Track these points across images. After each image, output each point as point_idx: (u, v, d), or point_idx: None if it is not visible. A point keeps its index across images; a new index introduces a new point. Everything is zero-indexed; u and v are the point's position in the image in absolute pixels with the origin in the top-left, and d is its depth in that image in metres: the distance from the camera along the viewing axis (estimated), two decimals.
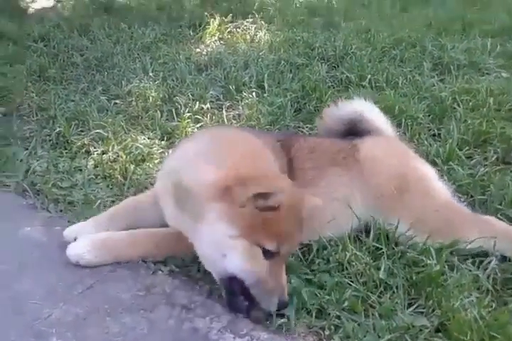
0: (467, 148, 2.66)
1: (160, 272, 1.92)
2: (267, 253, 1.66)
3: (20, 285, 1.85)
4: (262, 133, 2.30)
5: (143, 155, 2.79)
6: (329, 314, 1.68)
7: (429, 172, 2.19)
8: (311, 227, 1.87)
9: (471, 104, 3.08)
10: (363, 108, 2.40)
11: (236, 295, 1.68)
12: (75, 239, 1.97)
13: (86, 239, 1.94)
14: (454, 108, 3.05)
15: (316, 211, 1.81)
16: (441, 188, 2.13)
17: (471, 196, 2.32)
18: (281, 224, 1.67)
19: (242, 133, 2.04)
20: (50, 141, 2.98)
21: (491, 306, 1.67)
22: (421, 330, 1.61)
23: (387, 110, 3.00)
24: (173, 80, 3.70)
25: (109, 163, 2.72)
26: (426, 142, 2.72)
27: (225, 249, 1.67)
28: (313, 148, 2.12)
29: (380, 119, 2.43)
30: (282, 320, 1.66)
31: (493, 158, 2.59)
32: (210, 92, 3.39)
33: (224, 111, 3.21)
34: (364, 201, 2.02)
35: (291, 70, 3.71)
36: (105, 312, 1.73)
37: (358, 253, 1.85)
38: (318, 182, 2.02)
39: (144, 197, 2.19)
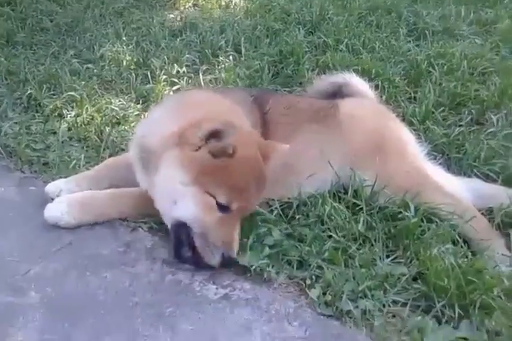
0: (442, 109, 2.68)
1: (140, 229, 1.91)
2: (220, 206, 1.63)
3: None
4: (232, 91, 2.28)
5: (118, 118, 2.73)
6: (310, 265, 1.71)
7: (405, 135, 2.22)
8: (289, 183, 1.88)
9: (445, 67, 3.10)
10: (351, 76, 2.48)
11: (182, 244, 1.66)
12: (57, 196, 1.94)
13: (63, 200, 1.90)
14: (430, 71, 3.06)
15: (294, 166, 1.81)
16: (416, 153, 2.15)
17: (447, 155, 2.36)
18: (235, 175, 1.63)
19: (209, 94, 2.02)
20: (21, 104, 2.89)
21: (466, 256, 1.72)
22: (399, 278, 1.65)
23: (364, 73, 3.01)
24: (147, 44, 3.61)
25: (84, 126, 2.66)
26: (403, 104, 2.73)
27: (176, 196, 1.66)
28: (290, 104, 2.11)
29: (364, 85, 2.49)
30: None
31: (468, 119, 2.63)
32: (186, 56, 3.32)
33: (201, 75, 3.15)
34: (342, 158, 2.03)
35: (267, 35, 3.66)
36: (85, 268, 1.72)
37: (337, 206, 1.86)
38: (295, 137, 2.01)
39: (124, 157, 2.15)
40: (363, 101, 2.31)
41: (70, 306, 1.57)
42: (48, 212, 1.88)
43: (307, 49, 3.46)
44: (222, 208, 1.64)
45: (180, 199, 1.65)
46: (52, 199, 1.95)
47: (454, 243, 1.82)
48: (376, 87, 2.90)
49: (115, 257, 1.76)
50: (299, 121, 2.07)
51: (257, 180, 1.70)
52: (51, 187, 2.01)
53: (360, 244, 1.80)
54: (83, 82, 3.04)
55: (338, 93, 2.40)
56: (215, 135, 1.62)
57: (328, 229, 1.87)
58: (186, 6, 4.64)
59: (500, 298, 1.54)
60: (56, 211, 1.88)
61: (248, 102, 2.02)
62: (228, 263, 1.64)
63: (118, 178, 2.05)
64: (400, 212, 1.87)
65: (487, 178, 2.21)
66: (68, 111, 2.79)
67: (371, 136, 2.06)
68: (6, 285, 1.65)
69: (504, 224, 1.93)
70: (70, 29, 3.99)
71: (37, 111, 2.83)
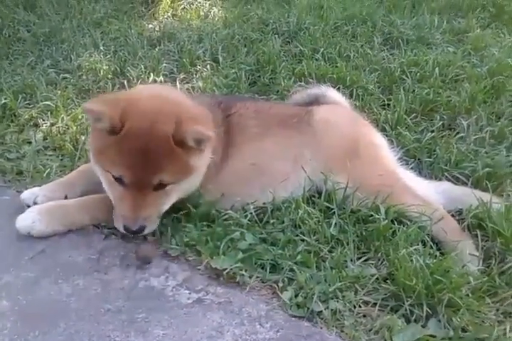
0: (415, 115, 2.74)
1: (113, 236, 1.91)
2: (116, 179, 1.74)
3: None
4: (197, 96, 2.30)
5: None
6: (282, 268, 1.72)
7: (378, 140, 2.26)
8: (261, 184, 1.91)
9: (418, 75, 3.17)
10: (327, 87, 2.57)
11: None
12: (34, 202, 1.95)
13: (34, 209, 1.89)
14: (403, 79, 3.12)
15: (264, 167, 1.83)
16: (389, 157, 2.20)
17: (419, 159, 2.40)
18: (123, 150, 1.69)
19: (160, 89, 2.05)
20: None
21: (436, 256, 1.75)
22: (369, 279, 1.67)
23: (339, 81, 3.07)
24: (125, 54, 3.63)
25: (59, 135, 2.66)
26: (376, 110, 2.78)
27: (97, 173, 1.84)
28: (261, 109, 2.15)
29: (339, 96, 2.56)
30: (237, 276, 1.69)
31: (439, 125, 2.68)
32: (164, 65, 3.34)
33: (178, 84, 3.17)
34: (314, 162, 2.06)
35: (245, 45, 3.69)
36: (57, 276, 1.72)
37: (310, 210, 1.89)
38: (262, 139, 2.04)
39: None
40: (338, 107, 2.36)
41: (41, 314, 1.56)
42: (19, 221, 1.87)
43: (284, 58, 3.50)
44: (120, 182, 1.74)
45: (98, 174, 1.85)
46: (28, 206, 1.95)
47: (424, 244, 1.85)
48: (351, 94, 2.96)
49: (88, 264, 1.76)
50: (269, 124, 2.10)
51: (147, 156, 1.69)
52: (27, 194, 2.01)
53: (332, 247, 1.82)
54: (59, 92, 3.05)
55: (314, 103, 2.44)
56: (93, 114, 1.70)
57: (302, 233, 1.89)
58: (165, 16, 4.68)
59: (468, 296, 1.57)
60: (28, 220, 1.87)
61: (210, 104, 2.05)
62: (130, 232, 1.77)
63: (92, 184, 2.03)
64: (372, 215, 1.90)
65: (457, 181, 2.25)
66: (43, 120, 2.80)
67: (345, 140, 2.10)
68: None
69: (473, 225, 1.96)
70: (48, 39, 4.00)
71: (12, 121, 2.83)
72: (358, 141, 2.11)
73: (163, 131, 1.69)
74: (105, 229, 1.92)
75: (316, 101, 2.42)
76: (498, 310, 1.59)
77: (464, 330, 1.50)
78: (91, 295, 1.63)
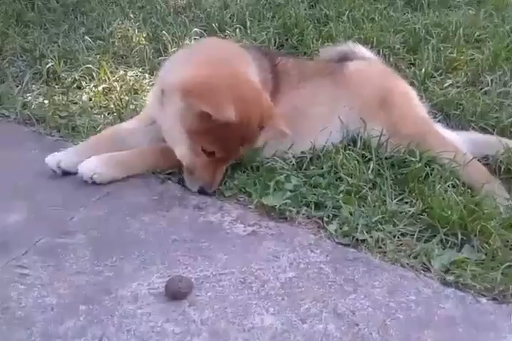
0: (440, 71, 2.86)
1: (169, 181, 2.09)
2: (204, 152, 1.90)
3: (39, 195, 2.00)
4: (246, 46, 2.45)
5: (135, 88, 2.89)
6: (326, 206, 1.90)
7: (410, 91, 2.40)
8: (303, 131, 2.08)
9: (442, 35, 3.27)
10: (355, 45, 2.67)
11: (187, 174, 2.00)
12: (59, 167, 2.06)
13: (95, 158, 2.05)
14: (427, 39, 3.23)
15: (304, 111, 2.01)
16: (420, 106, 2.34)
17: (446, 112, 2.54)
18: (222, 133, 1.84)
19: (224, 43, 2.22)
20: (40, 78, 3.04)
21: (467, 193, 1.91)
22: (406, 214, 1.84)
23: (366, 42, 3.18)
24: (154, 21, 3.75)
25: (103, 96, 2.82)
26: (404, 68, 2.90)
27: (175, 140, 1.98)
28: (299, 61, 2.34)
29: (369, 52, 2.67)
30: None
31: (464, 81, 2.80)
32: (194, 29, 3.46)
33: None
34: (349, 110, 2.21)
35: (271, 9, 3.80)
36: (124, 214, 1.90)
37: (350, 153, 2.05)
38: (304, 86, 2.20)
39: (126, 124, 2.28)
40: (370, 62, 2.49)
41: (115, 244, 1.76)
42: (82, 167, 2.02)
43: (310, 21, 3.61)
44: (207, 154, 1.91)
45: (177, 143, 1.96)
46: (53, 170, 2.07)
47: (454, 186, 2.01)
48: (378, 54, 3.08)
49: (151, 204, 1.95)
50: (308, 74, 2.26)
51: (242, 140, 1.91)
52: (51, 158, 2.09)
53: (370, 188, 1.98)
54: (98, 56, 3.19)
55: (344, 60, 2.56)
56: (207, 115, 1.80)
57: (340, 178, 2.06)
58: None
59: (498, 225, 1.74)
60: (90, 165, 2.02)
61: (259, 54, 2.21)
62: (204, 194, 1.97)
63: (117, 147, 2.14)
64: (406, 159, 2.05)
65: (484, 131, 2.39)
66: (86, 83, 2.96)
67: (378, 89, 2.24)
68: (53, 229, 1.82)
69: (499, 169, 2.11)
70: (77, 8, 4.12)
71: (56, 84, 2.99)
72: (391, 91, 2.25)
73: (255, 122, 1.89)
74: (161, 174, 2.10)
75: (345, 57, 2.54)
76: None
77: (493, 255, 1.67)
78: (157, 229, 1.82)
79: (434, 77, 2.79)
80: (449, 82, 2.82)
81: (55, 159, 2.09)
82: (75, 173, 2.06)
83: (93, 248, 1.74)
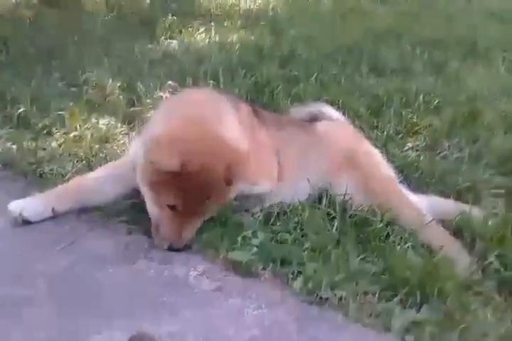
0: (401, 136, 3.03)
1: (136, 232, 2.09)
2: (168, 205, 1.93)
3: (1, 243, 1.96)
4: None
5: (107, 137, 2.92)
6: (291, 263, 1.93)
7: (375, 151, 2.54)
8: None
9: (403, 100, 3.48)
10: (324, 106, 2.84)
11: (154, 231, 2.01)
12: (20, 214, 2.04)
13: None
14: (389, 103, 3.43)
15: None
16: (385, 165, 2.46)
17: (406, 175, 2.67)
18: (181, 186, 1.87)
19: (210, 97, 2.27)
20: (10, 122, 3.04)
21: (427, 253, 1.99)
22: (368, 273, 1.89)
23: (332, 103, 3.34)
24: (130, 72, 3.85)
25: (73, 143, 2.83)
26: (366, 130, 3.05)
27: (143, 193, 2.02)
28: (273, 113, 2.49)
29: (337, 113, 2.83)
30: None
31: (423, 145, 2.97)
32: (169, 82, 3.56)
33: None
34: (319, 168, 2.31)
35: (243, 67, 3.97)
36: (89, 265, 1.88)
37: (316, 211, 2.12)
38: (282, 135, 2.33)
39: (95, 173, 2.28)
40: (338, 123, 2.63)
41: (78, 296, 1.72)
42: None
43: (280, 81, 3.78)
44: (170, 207, 1.94)
45: (145, 196, 2.01)
46: (15, 218, 2.04)
47: (414, 247, 2.08)
48: (343, 115, 3.25)
49: (116, 255, 1.93)
50: (284, 124, 2.43)
51: (205, 193, 1.92)
52: (14, 206, 2.07)
53: (334, 246, 2.04)
54: (71, 103, 3.23)
55: (313, 120, 2.70)
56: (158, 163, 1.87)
57: (305, 235, 2.11)
58: (162, 38, 4.94)
59: (455, 287, 1.81)
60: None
61: (242, 103, 2.35)
62: (174, 250, 1.96)
63: (83, 196, 2.15)
64: (368, 218, 2.13)
65: (441, 194, 2.51)
66: (57, 129, 2.97)
67: (345, 149, 2.36)
68: (14, 279, 1.78)
69: (456, 232, 2.21)
70: (52, 54, 4.19)
71: (26, 129, 2.98)
72: (357, 151, 2.37)
73: (216, 174, 1.91)
74: (128, 225, 2.11)
75: (315, 118, 2.67)
76: (479, 301, 1.83)
77: (451, 316, 1.73)
78: (122, 282, 1.80)
79: (395, 140, 2.94)
80: (409, 145, 2.98)
81: (18, 206, 2.07)
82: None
83: (55, 300, 1.70)
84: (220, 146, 1.94)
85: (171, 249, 1.96)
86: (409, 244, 2.01)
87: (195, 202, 1.94)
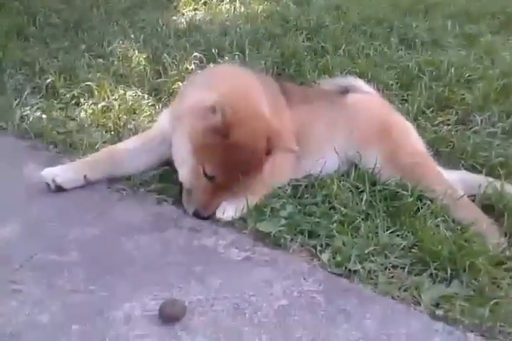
0: (432, 109, 2.96)
1: (165, 202, 2.11)
2: (205, 175, 1.93)
3: (34, 210, 1.99)
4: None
5: (134, 108, 2.92)
6: (319, 235, 1.93)
7: (408, 124, 2.49)
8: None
9: (434, 74, 3.38)
10: (355, 79, 2.77)
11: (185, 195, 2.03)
12: (53, 182, 2.07)
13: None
14: (420, 77, 3.34)
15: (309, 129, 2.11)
16: (417, 139, 2.41)
17: (437, 149, 2.61)
18: (225, 155, 1.88)
19: (233, 69, 2.27)
20: (39, 92, 3.06)
21: (457, 228, 1.97)
22: (397, 247, 1.88)
23: (361, 76, 3.27)
24: (155, 43, 3.81)
25: (102, 113, 2.84)
26: (396, 104, 2.99)
27: (181, 160, 2.02)
28: (302, 86, 2.45)
29: (368, 87, 2.76)
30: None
31: (454, 119, 2.90)
32: (194, 54, 3.53)
33: None
34: (349, 136, 2.28)
35: (269, 38, 3.90)
36: (119, 233, 1.91)
37: (344, 184, 2.10)
38: (309, 107, 2.31)
39: (125, 144, 2.29)
40: (369, 95, 2.58)
41: (109, 264, 1.75)
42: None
43: (306, 53, 3.71)
44: (208, 177, 1.94)
45: (182, 163, 2.01)
46: (47, 184, 2.08)
47: (444, 222, 2.06)
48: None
49: (145, 225, 1.96)
50: (311, 97, 2.39)
51: (246, 166, 1.93)
52: (47, 172, 2.10)
53: (362, 219, 2.02)
54: (98, 74, 3.23)
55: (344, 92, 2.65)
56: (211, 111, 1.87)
57: (333, 208, 2.09)
58: (187, 9, 4.87)
59: (486, 262, 1.79)
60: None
61: (270, 78, 2.36)
62: (199, 217, 1.98)
63: (115, 166, 2.17)
64: (398, 192, 2.10)
65: (473, 170, 2.46)
66: (85, 100, 2.98)
67: (378, 119, 2.32)
68: (48, 245, 1.82)
69: (486, 207, 2.17)
70: (78, 26, 4.18)
71: (55, 99, 3.00)
72: (390, 123, 2.33)
73: (260, 149, 1.92)
74: (157, 195, 2.12)
75: (345, 91, 2.62)
76: (511, 277, 1.80)
77: (481, 291, 1.71)
78: (152, 250, 1.83)
79: (426, 114, 2.88)
80: (440, 119, 2.91)
81: (52, 173, 2.10)
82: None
83: (87, 266, 1.74)
84: (263, 120, 1.95)
85: (196, 215, 1.97)
86: (440, 219, 1.97)
87: (234, 176, 1.93)
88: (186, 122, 1.97)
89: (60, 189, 2.09)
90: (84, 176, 2.12)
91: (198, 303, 1.61)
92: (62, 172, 2.11)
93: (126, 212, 2.01)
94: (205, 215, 1.98)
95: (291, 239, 1.91)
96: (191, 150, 1.95)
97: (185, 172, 2.00)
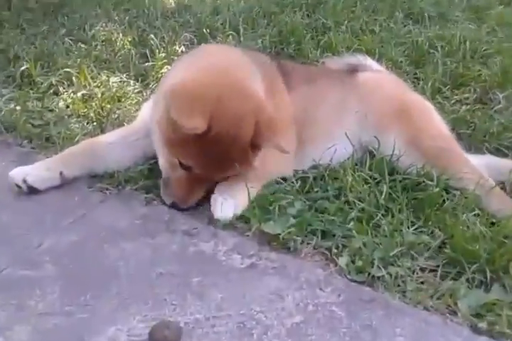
0: (447, 88, 2.69)
1: (155, 202, 1.85)
2: (181, 165, 1.72)
3: (2, 216, 1.74)
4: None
5: (118, 96, 2.65)
6: (334, 235, 1.67)
7: (428, 104, 2.22)
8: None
9: (446, 49, 3.11)
10: (365, 57, 2.50)
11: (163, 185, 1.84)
12: (24, 181, 1.82)
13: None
14: (431, 53, 3.07)
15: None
16: (440, 120, 2.15)
17: (457, 131, 2.35)
18: (200, 149, 1.65)
19: (232, 51, 2.03)
20: (13, 82, 2.79)
21: (492, 223, 1.71)
22: (425, 246, 1.63)
23: (367, 54, 2.99)
24: (141, 25, 3.53)
25: (83, 103, 2.57)
26: (409, 82, 2.72)
27: (157, 149, 1.84)
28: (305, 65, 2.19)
29: (379, 66, 2.52)
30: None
31: (473, 98, 2.63)
32: (184, 34, 3.24)
33: None
34: (363, 118, 2.01)
35: (265, 16, 3.62)
36: (102, 240, 1.65)
37: (360, 174, 1.84)
38: (314, 87, 2.05)
39: (107, 137, 2.05)
40: (381, 73, 2.32)
41: (89, 278, 1.50)
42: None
43: (306, 30, 3.43)
44: (184, 168, 1.73)
45: (158, 153, 1.83)
46: (17, 185, 1.82)
47: (476, 216, 1.80)
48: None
49: (133, 229, 1.70)
50: (315, 75, 2.13)
51: (228, 158, 1.68)
52: (16, 172, 1.85)
53: (382, 215, 1.77)
54: (78, 60, 2.95)
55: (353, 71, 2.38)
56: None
57: (347, 202, 1.84)
58: None
59: None
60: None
61: (265, 58, 2.07)
62: (176, 209, 1.79)
63: (96, 160, 1.94)
64: (420, 183, 1.85)
65: (497, 152, 2.21)
66: (64, 88, 2.71)
67: (394, 100, 2.06)
68: (18, 258, 1.56)
69: None
70: (57, 9, 3.88)
71: (31, 89, 2.73)
72: (409, 103, 2.07)
73: (245, 137, 1.66)
74: (145, 194, 1.86)
75: (354, 70, 2.35)
76: None
77: None
78: (140, 260, 1.57)
79: (443, 92, 2.61)
80: (457, 98, 2.65)
81: (22, 172, 1.84)
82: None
83: (64, 282, 1.48)
84: (251, 100, 1.68)
85: (174, 206, 1.79)
86: (474, 213, 1.71)
87: (216, 167, 1.71)
88: (160, 108, 1.75)
89: (32, 190, 1.83)
90: (61, 173, 1.86)
91: (196, 324, 1.36)
92: (34, 171, 1.85)
93: (109, 215, 1.75)
94: (183, 207, 1.78)
95: (302, 241, 1.66)
96: (162, 140, 1.75)
97: (161, 162, 1.82)
